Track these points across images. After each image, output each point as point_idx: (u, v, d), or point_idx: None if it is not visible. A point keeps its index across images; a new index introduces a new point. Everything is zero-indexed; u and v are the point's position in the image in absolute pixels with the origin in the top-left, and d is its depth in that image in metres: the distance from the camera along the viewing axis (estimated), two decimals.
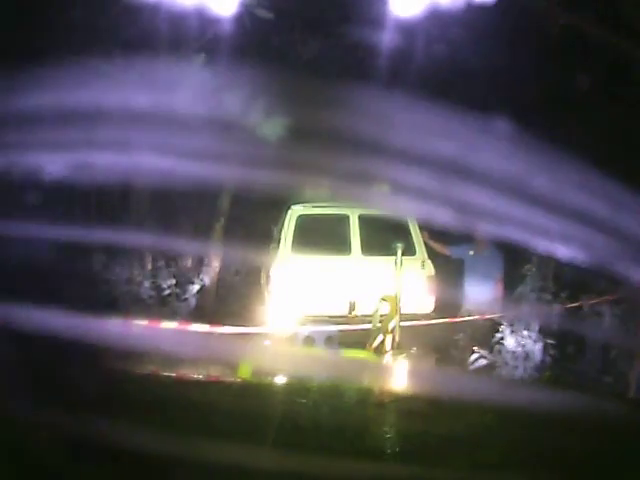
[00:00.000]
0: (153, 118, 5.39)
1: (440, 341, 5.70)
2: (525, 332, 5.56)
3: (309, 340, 5.58)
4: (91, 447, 1.73)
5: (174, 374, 4.24)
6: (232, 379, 4.10)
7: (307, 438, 1.94)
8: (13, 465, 1.60)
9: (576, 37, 6.68)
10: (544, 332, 5.56)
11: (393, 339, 4.61)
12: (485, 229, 5.64)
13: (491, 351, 5.60)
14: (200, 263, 8.69)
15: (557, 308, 5.69)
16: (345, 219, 6.10)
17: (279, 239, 6.06)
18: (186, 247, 9.41)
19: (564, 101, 7.85)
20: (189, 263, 9.15)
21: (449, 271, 6.20)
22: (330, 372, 4.93)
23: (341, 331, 5.44)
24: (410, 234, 6.01)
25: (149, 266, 8.64)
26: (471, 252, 5.85)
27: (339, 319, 5.70)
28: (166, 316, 6.69)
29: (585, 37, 6.59)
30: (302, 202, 6.18)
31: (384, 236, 5.68)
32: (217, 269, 8.51)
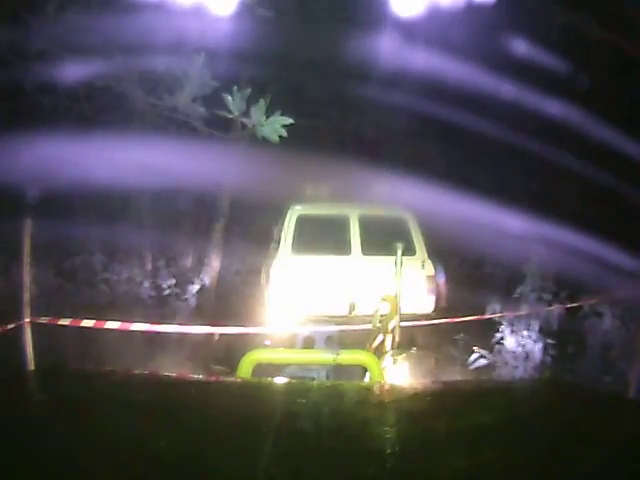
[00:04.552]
0: (153, 117, 5.39)
1: (440, 341, 5.70)
2: (525, 332, 5.57)
3: (309, 340, 5.58)
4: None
5: (172, 373, 4.24)
6: (232, 379, 4.10)
7: (306, 438, 1.94)
8: None
9: (576, 37, 6.68)
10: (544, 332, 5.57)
11: (393, 339, 4.60)
12: None
13: (491, 351, 5.60)
14: (200, 263, 8.69)
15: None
16: (345, 219, 6.09)
17: (279, 239, 6.05)
18: (186, 247, 9.41)
19: (563, 101, 7.85)
20: (189, 263, 9.15)
21: None
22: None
23: (341, 331, 5.43)
24: (410, 234, 6.01)
25: (149, 266, 8.65)
26: None
27: (339, 319, 5.69)
28: (166, 316, 6.69)
29: (585, 37, 6.59)
30: (302, 202, 6.19)
31: (384, 236, 5.68)
32: (217, 269, 8.51)
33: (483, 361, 5.54)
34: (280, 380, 4.11)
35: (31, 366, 4.03)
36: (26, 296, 4.24)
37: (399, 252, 4.75)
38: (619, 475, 1.58)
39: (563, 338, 5.59)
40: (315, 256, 5.92)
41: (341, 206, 6.21)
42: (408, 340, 4.96)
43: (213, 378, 4.14)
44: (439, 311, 5.90)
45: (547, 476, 1.62)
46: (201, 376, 4.16)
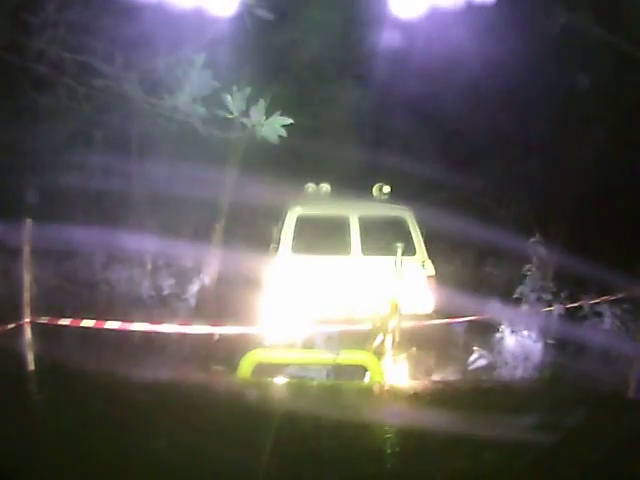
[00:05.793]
0: (153, 117, 5.39)
1: (440, 341, 5.69)
2: (525, 332, 5.56)
3: (309, 340, 5.57)
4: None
5: (172, 373, 4.24)
6: (232, 379, 4.10)
7: (306, 438, 1.94)
8: None
9: (576, 37, 6.68)
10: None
11: (393, 339, 4.60)
12: None
13: (491, 351, 5.59)
14: (200, 263, 8.68)
15: None
16: (345, 219, 6.08)
17: (279, 239, 6.04)
18: (186, 247, 9.41)
19: (563, 100, 7.86)
20: (189, 263, 9.14)
21: None
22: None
23: (341, 331, 5.42)
24: (410, 234, 6.00)
25: (149, 266, 8.64)
26: None
27: (339, 319, 5.68)
28: (166, 316, 6.68)
29: (585, 37, 6.60)
30: (302, 202, 6.18)
31: (384, 236, 5.67)
32: (217, 269, 8.50)
33: (483, 361, 5.53)
34: (280, 380, 4.11)
35: (31, 366, 4.02)
36: (26, 296, 4.23)
37: (399, 252, 4.74)
38: (619, 474, 1.58)
39: (563, 338, 5.58)
40: (315, 256, 5.91)
41: (341, 206, 6.20)
42: (408, 340, 4.96)
43: (213, 378, 4.14)
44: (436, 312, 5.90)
45: (547, 475, 1.62)
46: (201, 376, 4.16)
